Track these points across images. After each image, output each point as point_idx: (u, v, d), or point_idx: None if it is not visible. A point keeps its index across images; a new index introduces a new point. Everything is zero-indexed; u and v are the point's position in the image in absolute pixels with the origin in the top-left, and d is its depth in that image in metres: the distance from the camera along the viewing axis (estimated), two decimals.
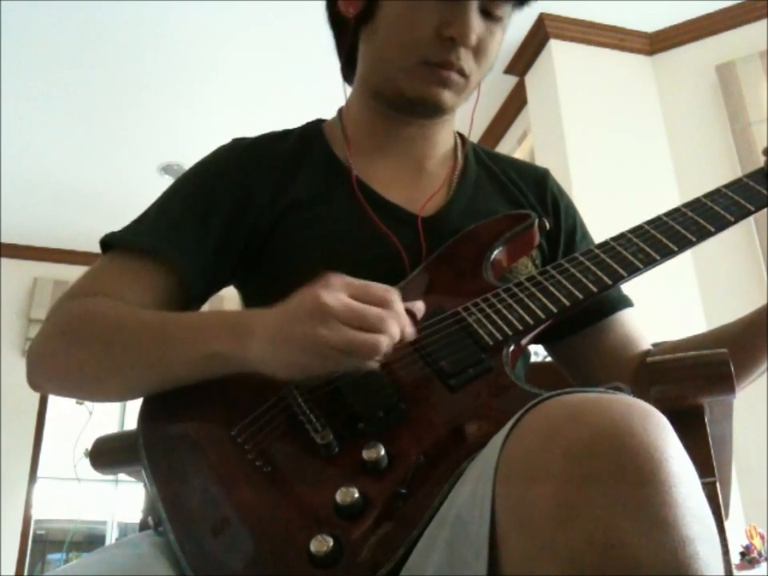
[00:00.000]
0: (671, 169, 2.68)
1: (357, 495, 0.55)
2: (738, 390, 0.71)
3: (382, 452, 0.57)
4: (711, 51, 2.74)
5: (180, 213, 0.81)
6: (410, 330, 0.61)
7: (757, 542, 1.87)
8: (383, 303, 0.60)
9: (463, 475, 0.53)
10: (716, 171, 2.58)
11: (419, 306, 0.67)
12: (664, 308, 2.22)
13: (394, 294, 0.61)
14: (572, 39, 2.79)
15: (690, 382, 0.68)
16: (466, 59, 0.78)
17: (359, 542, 0.53)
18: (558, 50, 2.77)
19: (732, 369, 0.66)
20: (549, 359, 0.96)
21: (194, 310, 0.82)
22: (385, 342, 0.58)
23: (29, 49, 2.82)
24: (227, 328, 0.65)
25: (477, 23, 0.77)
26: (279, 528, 0.56)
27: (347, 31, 0.85)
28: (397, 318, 0.59)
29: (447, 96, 0.80)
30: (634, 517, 0.38)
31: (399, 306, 0.61)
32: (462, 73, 0.79)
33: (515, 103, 3.14)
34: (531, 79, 2.94)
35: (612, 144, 2.66)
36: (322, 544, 0.52)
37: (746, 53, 2.64)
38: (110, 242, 0.80)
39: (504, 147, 3.30)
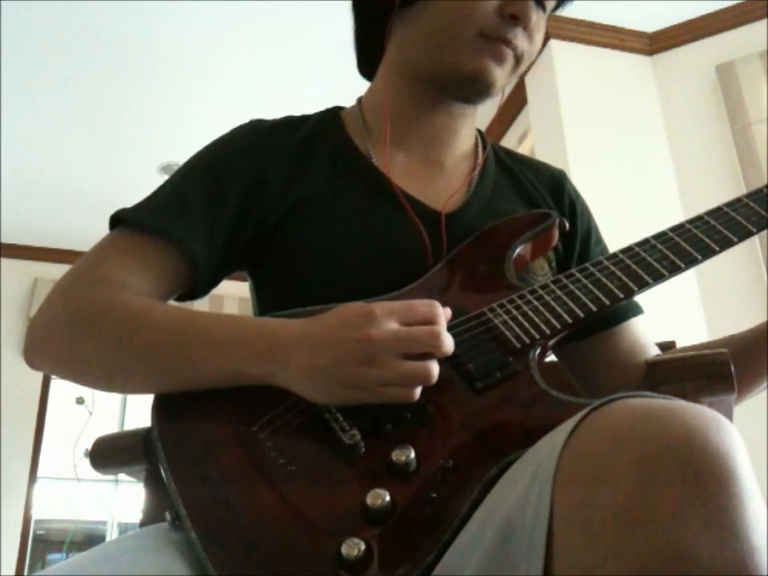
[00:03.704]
0: (671, 169, 2.68)
1: (388, 498, 0.53)
2: (738, 403, 0.71)
3: (412, 455, 0.56)
4: (711, 51, 2.74)
5: (193, 194, 0.78)
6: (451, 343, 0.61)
7: None
8: (430, 320, 0.60)
9: (505, 475, 0.52)
10: (716, 171, 2.58)
11: (448, 313, 0.66)
12: (664, 310, 2.22)
13: (438, 308, 0.61)
14: (572, 39, 2.79)
15: (691, 381, 0.68)
16: (521, 40, 0.78)
17: (389, 547, 0.52)
18: (558, 49, 2.77)
19: (732, 368, 0.66)
20: (549, 359, 0.96)
21: (199, 296, 0.80)
22: (436, 368, 0.59)
23: (29, 49, 2.82)
24: (258, 352, 0.62)
25: (534, 5, 0.78)
26: (306, 530, 0.54)
27: (380, 16, 0.84)
28: (445, 333, 0.60)
29: (499, 73, 0.79)
30: (706, 524, 0.38)
31: (443, 319, 0.61)
32: (515, 52, 0.78)
33: (515, 103, 3.14)
34: (531, 79, 2.94)
35: (612, 144, 2.65)
36: (352, 548, 0.51)
37: (746, 53, 2.63)
38: (120, 219, 0.77)
39: None
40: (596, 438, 0.44)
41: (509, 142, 3.28)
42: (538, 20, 0.79)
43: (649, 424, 0.43)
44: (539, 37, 0.81)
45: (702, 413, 0.44)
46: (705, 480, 0.40)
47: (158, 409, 0.65)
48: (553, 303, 0.70)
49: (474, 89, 0.80)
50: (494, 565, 0.45)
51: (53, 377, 3.99)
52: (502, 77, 0.80)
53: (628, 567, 0.38)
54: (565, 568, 0.41)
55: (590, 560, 0.40)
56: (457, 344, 0.66)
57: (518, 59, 0.79)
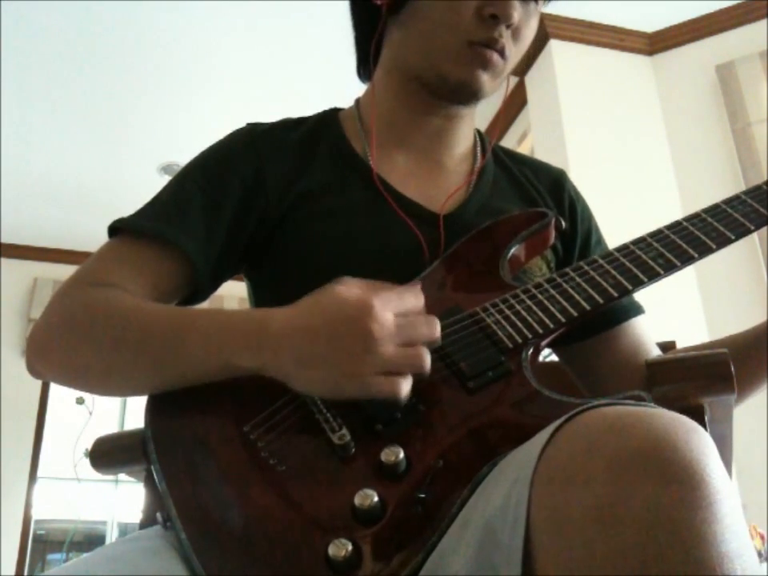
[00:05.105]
0: (671, 169, 2.68)
1: (376, 499, 0.53)
2: (739, 403, 0.71)
3: (402, 455, 0.56)
4: (711, 51, 2.74)
5: (190, 197, 0.78)
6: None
7: (757, 542, 1.87)
8: (419, 309, 0.62)
9: (487, 479, 0.52)
10: (716, 171, 2.58)
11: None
12: (664, 310, 2.22)
13: (422, 299, 0.63)
14: (572, 39, 2.79)
15: (691, 382, 0.68)
16: (507, 38, 0.77)
17: (378, 548, 0.52)
18: (558, 49, 2.77)
19: (732, 369, 0.66)
20: (549, 359, 0.96)
21: (201, 300, 0.80)
22: (428, 354, 0.60)
23: (29, 49, 2.82)
24: (247, 341, 0.62)
25: (516, 2, 0.76)
26: (295, 530, 0.54)
27: (374, 20, 0.84)
28: (436, 324, 0.61)
29: (486, 80, 0.79)
30: (674, 532, 0.38)
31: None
32: (502, 53, 0.78)
33: (515, 103, 3.14)
34: (531, 79, 2.94)
35: (612, 144, 2.65)
36: (340, 549, 0.51)
37: (746, 53, 2.63)
38: (118, 227, 0.77)
39: None
40: (570, 444, 0.45)
41: (509, 142, 3.28)
42: (526, 16, 0.79)
43: (619, 430, 0.43)
44: (529, 33, 0.80)
45: (673, 419, 0.44)
46: (672, 485, 0.40)
47: (151, 410, 0.65)
48: (546, 302, 0.69)
49: (462, 96, 0.81)
50: (479, 566, 0.45)
51: None
52: (490, 81, 0.79)
53: (599, 568, 0.39)
54: (543, 568, 0.41)
55: (565, 561, 0.40)
56: (450, 343, 0.66)
57: (504, 59, 0.78)
